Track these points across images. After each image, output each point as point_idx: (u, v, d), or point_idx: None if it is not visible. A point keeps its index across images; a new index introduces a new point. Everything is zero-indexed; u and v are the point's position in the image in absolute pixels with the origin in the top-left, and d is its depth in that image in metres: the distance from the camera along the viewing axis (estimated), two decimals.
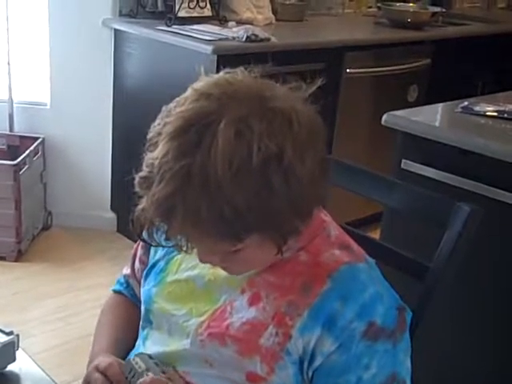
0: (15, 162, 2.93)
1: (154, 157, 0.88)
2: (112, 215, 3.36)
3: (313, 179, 0.90)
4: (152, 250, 1.17)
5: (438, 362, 1.87)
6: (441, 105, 2.10)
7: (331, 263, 0.99)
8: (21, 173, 2.95)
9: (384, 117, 1.94)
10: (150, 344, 1.10)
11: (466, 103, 2.01)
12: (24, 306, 2.70)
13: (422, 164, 1.86)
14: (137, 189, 0.91)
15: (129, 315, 1.23)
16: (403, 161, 1.90)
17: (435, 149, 1.84)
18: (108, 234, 3.30)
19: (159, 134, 0.89)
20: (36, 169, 3.16)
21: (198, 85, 0.91)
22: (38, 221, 3.22)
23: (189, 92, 0.91)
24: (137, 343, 1.15)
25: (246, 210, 0.85)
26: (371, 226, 2.95)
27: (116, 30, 3.08)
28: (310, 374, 0.98)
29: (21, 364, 1.09)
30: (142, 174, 0.91)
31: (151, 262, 1.16)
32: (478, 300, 1.86)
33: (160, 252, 1.14)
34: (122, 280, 1.30)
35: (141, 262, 1.21)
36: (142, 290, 1.16)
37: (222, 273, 1.03)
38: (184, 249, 0.96)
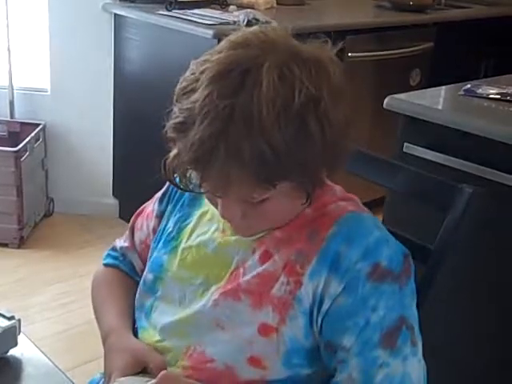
0: (16, 149, 2.92)
1: (193, 100, 0.90)
2: (114, 201, 3.36)
3: (342, 130, 0.95)
4: (164, 219, 1.17)
5: (439, 346, 1.87)
6: (443, 88, 2.09)
7: (337, 211, 1.02)
8: (22, 159, 2.95)
9: (386, 100, 1.93)
10: (158, 315, 1.10)
11: (468, 86, 2.00)
12: (26, 292, 2.71)
13: (424, 147, 1.85)
14: (170, 134, 0.93)
15: (128, 288, 1.21)
16: (405, 144, 1.89)
17: (438, 132, 1.83)
18: (110, 220, 3.30)
19: (196, 80, 0.91)
20: (37, 155, 3.15)
21: (233, 37, 0.95)
22: (39, 207, 3.22)
23: (224, 43, 0.95)
24: (137, 316, 1.15)
25: (284, 152, 0.88)
26: (372, 211, 2.94)
27: (116, 15, 3.07)
28: (320, 321, 0.98)
29: (22, 349, 1.08)
30: (177, 119, 0.92)
31: (161, 228, 1.16)
32: (481, 284, 1.86)
33: (172, 219, 1.15)
34: (116, 253, 1.28)
35: (154, 232, 1.19)
36: (150, 258, 1.15)
37: (231, 237, 1.05)
38: (218, 194, 0.96)
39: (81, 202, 3.34)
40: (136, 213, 1.26)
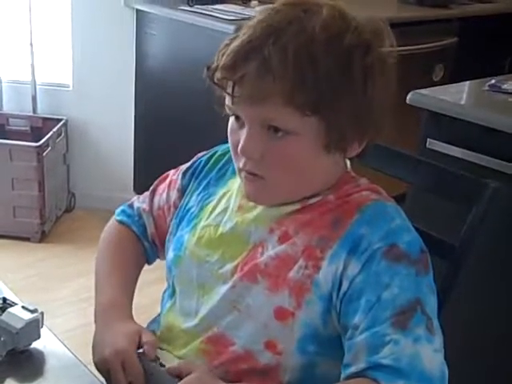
0: (38, 144, 2.94)
1: (247, 26, 0.95)
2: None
3: (382, 102, 0.97)
4: (187, 196, 1.17)
5: (462, 346, 1.85)
6: (467, 83, 2.07)
7: (360, 199, 1.02)
8: (44, 154, 2.97)
9: (409, 95, 1.91)
10: (178, 295, 1.11)
11: (493, 81, 1.97)
12: (47, 286, 2.73)
13: (447, 143, 1.83)
14: (216, 63, 0.96)
15: (135, 254, 1.22)
16: (428, 140, 1.87)
17: (461, 127, 1.81)
18: None
19: (240, 29, 0.97)
20: (59, 150, 3.17)
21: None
22: (61, 202, 3.24)
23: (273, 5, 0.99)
24: (166, 292, 1.16)
25: (321, 80, 0.90)
26: None
27: (138, 11, 3.08)
28: (339, 305, 0.96)
29: (45, 342, 1.09)
30: (222, 51, 0.97)
31: (183, 205, 1.16)
32: (504, 280, 1.84)
33: (194, 198, 1.15)
34: (132, 212, 1.26)
35: (174, 206, 1.20)
36: (174, 236, 1.15)
37: (249, 215, 1.05)
38: (246, 104, 0.96)
39: (102, 197, 3.34)
40: (160, 178, 1.25)
